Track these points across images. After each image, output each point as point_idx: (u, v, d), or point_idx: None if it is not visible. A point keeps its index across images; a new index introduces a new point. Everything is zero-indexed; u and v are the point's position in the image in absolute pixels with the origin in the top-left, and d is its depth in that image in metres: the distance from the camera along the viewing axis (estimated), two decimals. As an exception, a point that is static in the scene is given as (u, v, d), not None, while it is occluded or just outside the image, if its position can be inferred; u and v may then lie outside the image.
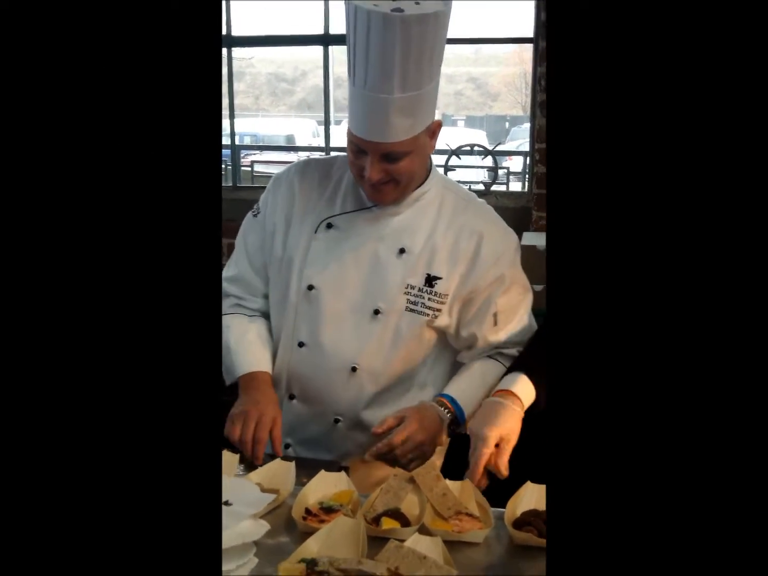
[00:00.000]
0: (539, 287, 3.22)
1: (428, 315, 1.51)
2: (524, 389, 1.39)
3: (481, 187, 4.22)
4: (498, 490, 1.27)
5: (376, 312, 1.50)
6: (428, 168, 1.53)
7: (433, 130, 1.43)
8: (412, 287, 1.50)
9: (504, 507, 1.22)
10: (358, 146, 1.40)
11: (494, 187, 4.18)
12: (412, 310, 1.50)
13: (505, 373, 1.46)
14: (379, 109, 1.32)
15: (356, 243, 1.51)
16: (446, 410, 1.48)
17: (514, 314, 1.55)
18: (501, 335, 1.55)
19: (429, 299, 1.50)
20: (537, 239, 3.34)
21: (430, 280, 1.50)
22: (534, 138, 3.66)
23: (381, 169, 1.40)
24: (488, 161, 4.23)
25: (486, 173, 4.36)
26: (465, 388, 1.54)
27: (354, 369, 1.52)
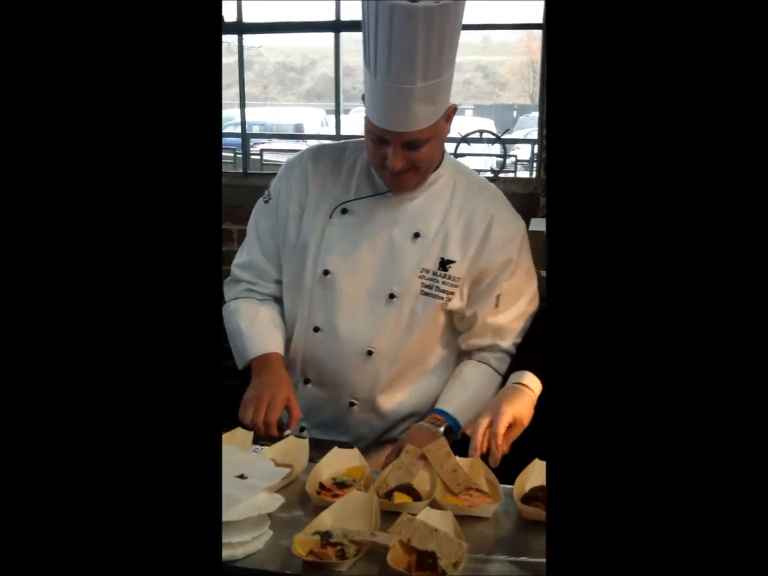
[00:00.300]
0: (546, 273, 3.25)
1: (443, 298, 1.53)
2: (533, 382, 1.43)
3: (489, 174, 4.22)
4: (507, 467, 1.29)
5: (392, 296, 1.52)
6: (442, 153, 1.55)
7: (449, 114, 1.45)
8: (427, 271, 1.52)
9: (513, 483, 1.24)
10: (379, 136, 1.41)
11: (502, 175, 4.19)
12: (426, 294, 1.52)
13: (508, 371, 1.51)
14: (403, 99, 1.33)
15: (371, 228, 1.53)
16: (439, 424, 1.49)
17: (516, 299, 1.58)
18: (500, 318, 1.57)
19: (443, 282, 1.52)
20: (544, 225, 3.34)
21: (444, 264, 1.52)
22: (543, 125, 3.65)
23: (403, 158, 1.41)
24: (496, 149, 4.23)
25: (495, 161, 4.36)
26: (457, 399, 1.55)
27: (370, 353, 1.54)
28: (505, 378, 1.58)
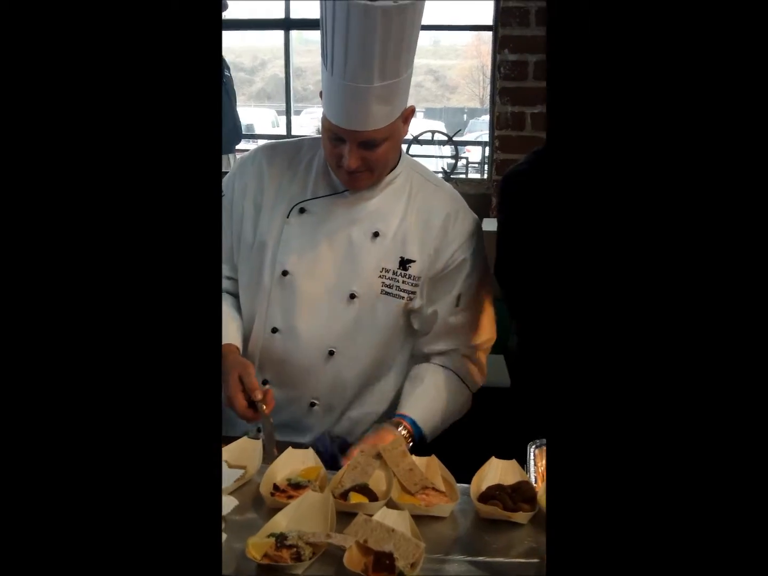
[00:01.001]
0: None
1: (403, 298, 1.52)
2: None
3: (441, 175, 4.23)
4: (464, 465, 1.29)
5: (352, 296, 1.51)
6: (399, 154, 1.55)
7: (407, 115, 1.45)
8: (387, 270, 1.51)
9: (469, 482, 1.23)
10: (336, 135, 1.40)
11: (453, 176, 4.21)
12: (387, 294, 1.51)
13: None
14: (359, 98, 1.33)
15: (330, 227, 1.51)
16: (404, 430, 1.47)
17: (475, 298, 1.58)
18: (460, 318, 1.57)
19: (403, 282, 1.51)
20: (496, 225, 3.36)
21: (404, 263, 1.51)
22: (494, 126, 3.68)
23: (359, 157, 1.41)
24: (448, 151, 4.25)
25: (446, 162, 4.38)
26: (421, 405, 1.53)
27: (331, 353, 1.52)
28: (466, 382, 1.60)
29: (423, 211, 1.53)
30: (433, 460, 1.29)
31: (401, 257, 1.51)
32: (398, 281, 1.51)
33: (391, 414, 1.55)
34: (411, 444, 1.46)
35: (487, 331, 1.63)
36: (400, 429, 1.47)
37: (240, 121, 4.15)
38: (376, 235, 1.51)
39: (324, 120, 1.42)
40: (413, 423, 1.49)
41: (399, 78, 1.35)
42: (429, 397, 1.55)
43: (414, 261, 1.51)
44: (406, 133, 1.50)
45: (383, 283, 1.51)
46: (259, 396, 1.41)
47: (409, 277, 1.51)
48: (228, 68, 4.02)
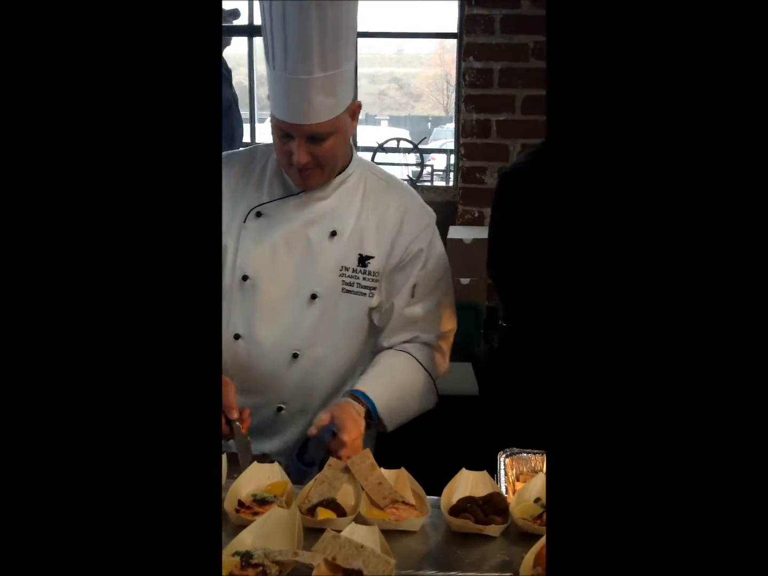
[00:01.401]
0: (466, 280, 3.26)
1: (365, 294, 1.52)
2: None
3: (407, 183, 4.23)
4: (433, 478, 1.26)
5: (313, 296, 1.50)
6: (350, 153, 1.56)
7: (354, 111, 1.46)
8: (346, 269, 1.51)
9: (439, 494, 1.21)
10: (284, 131, 1.41)
11: (419, 184, 4.20)
12: (348, 291, 1.51)
13: None
14: (301, 90, 1.34)
15: (287, 230, 1.51)
16: (363, 407, 1.47)
17: (431, 289, 1.59)
18: (417, 309, 1.57)
19: (364, 278, 1.52)
20: (463, 233, 3.36)
21: (363, 260, 1.52)
22: (459, 133, 3.68)
23: (307, 152, 1.41)
24: (413, 159, 4.25)
25: (411, 170, 4.38)
26: (377, 383, 1.53)
27: (296, 356, 1.51)
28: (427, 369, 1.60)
29: (378, 208, 1.55)
30: (403, 472, 1.26)
31: (360, 254, 1.52)
32: (358, 278, 1.52)
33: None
34: (368, 421, 1.47)
35: (447, 321, 1.64)
36: (355, 400, 1.46)
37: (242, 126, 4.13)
38: (333, 234, 1.51)
39: (272, 119, 1.43)
40: (366, 397, 1.48)
41: (339, 69, 1.36)
42: (384, 376, 1.55)
43: (372, 257, 1.52)
44: (354, 129, 1.51)
45: (343, 281, 1.51)
46: (235, 415, 1.39)
47: (369, 274, 1.52)
48: (230, 72, 4.00)
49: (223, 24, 4.01)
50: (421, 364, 1.59)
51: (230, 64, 4.01)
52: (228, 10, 4.02)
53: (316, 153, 1.42)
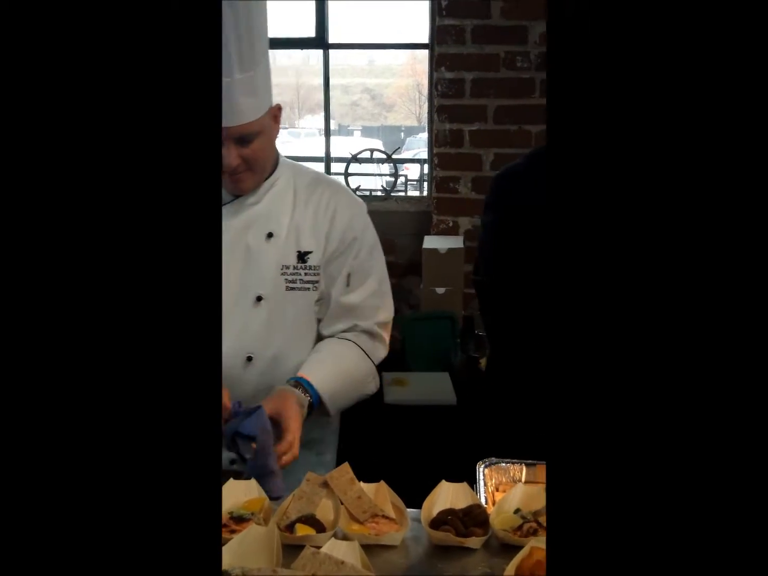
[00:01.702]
0: (441, 290, 3.26)
1: (309, 289, 1.57)
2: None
3: (380, 193, 4.22)
4: (413, 490, 1.25)
5: (259, 299, 1.54)
6: (277, 156, 1.61)
7: (275, 114, 1.52)
8: (287, 267, 1.56)
9: (420, 507, 1.20)
10: None
11: (393, 194, 4.20)
12: (292, 289, 1.56)
13: None
14: (225, 92, 1.36)
15: (227, 237, 1.53)
16: (306, 394, 1.49)
17: (365, 277, 1.62)
18: (352, 297, 1.61)
19: (305, 274, 1.57)
20: (438, 242, 3.36)
21: (302, 256, 1.57)
22: (432, 143, 3.68)
23: (237, 154, 1.46)
24: (386, 169, 4.25)
25: (385, 180, 4.38)
26: (319, 369, 1.55)
27: (250, 359, 1.54)
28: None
29: (310, 204, 1.59)
30: (382, 486, 1.25)
31: (298, 251, 1.57)
32: (300, 275, 1.57)
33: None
34: (309, 404, 1.48)
35: (385, 309, 1.68)
36: (297, 388, 1.48)
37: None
38: (270, 236, 1.56)
39: None
40: (308, 384, 1.50)
41: (257, 68, 1.42)
42: (326, 362, 1.58)
43: (311, 252, 1.57)
44: (278, 132, 1.57)
45: (286, 279, 1.56)
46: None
47: (310, 268, 1.57)
48: None
49: None
50: (362, 349, 1.63)
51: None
52: None
53: (245, 155, 1.47)
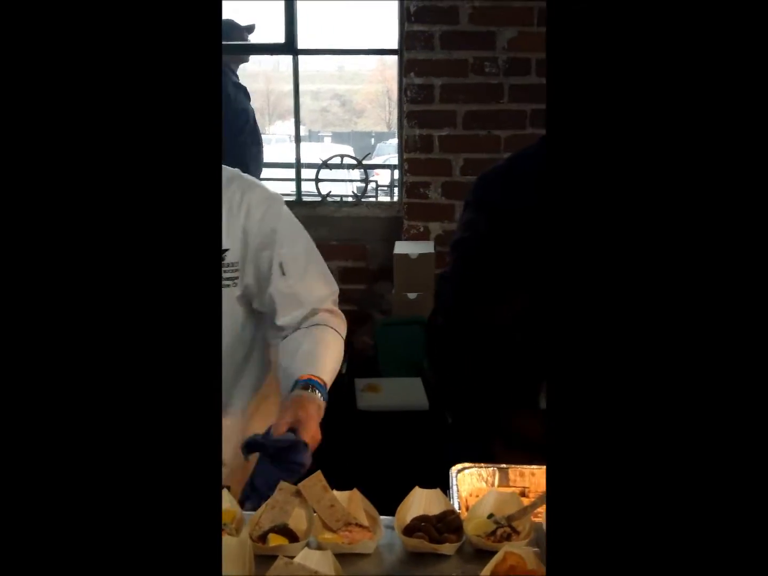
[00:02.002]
0: (413, 295, 3.26)
1: (228, 286, 1.58)
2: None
3: (351, 199, 4.22)
4: (387, 497, 1.25)
5: None
6: None
7: None
8: None
9: (393, 514, 1.19)
10: None
11: (364, 200, 4.20)
12: None
13: None
14: None
15: None
16: (320, 395, 1.50)
17: (297, 261, 1.64)
18: (293, 283, 1.62)
19: (224, 272, 1.57)
20: (409, 248, 3.37)
21: None
22: (402, 149, 3.69)
23: None
24: (357, 175, 4.25)
25: (356, 186, 4.39)
26: (323, 368, 1.56)
27: None
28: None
29: (225, 203, 1.59)
30: (355, 493, 1.24)
31: None
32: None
33: (260, 404, 1.62)
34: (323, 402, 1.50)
35: (330, 284, 1.70)
36: (312, 391, 1.49)
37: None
38: None
39: None
40: (318, 384, 1.51)
41: None
42: (323, 356, 1.58)
43: (227, 249, 1.57)
44: None
45: None
46: None
47: (229, 266, 1.58)
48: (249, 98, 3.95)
49: (241, 41, 3.96)
50: (337, 331, 1.65)
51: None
52: (244, 26, 3.96)
53: None
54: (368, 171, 4.35)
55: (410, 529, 1.15)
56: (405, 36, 3.56)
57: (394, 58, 3.82)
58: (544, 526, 1.02)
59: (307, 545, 1.10)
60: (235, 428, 1.64)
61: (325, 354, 1.59)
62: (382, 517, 1.20)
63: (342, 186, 4.84)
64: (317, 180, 4.01)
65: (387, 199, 4.72)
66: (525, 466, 1.37)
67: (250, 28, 3.98)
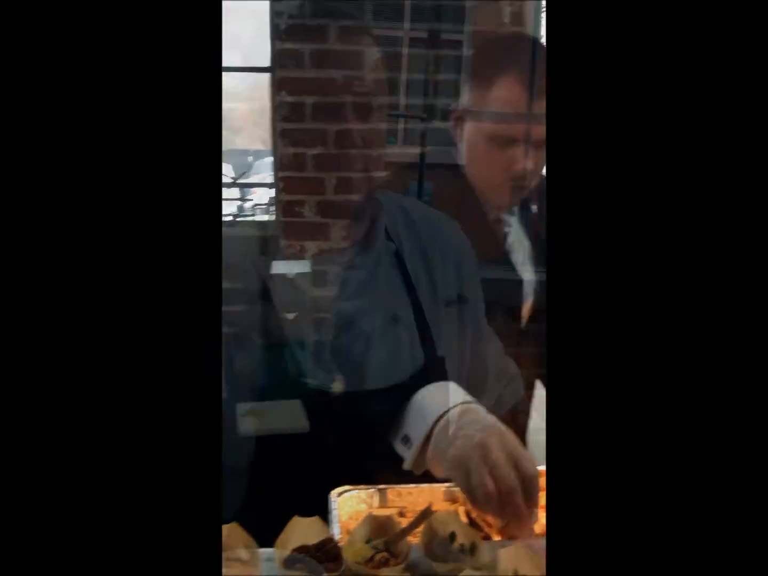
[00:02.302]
0: (291, 315, 3.22)
1: None
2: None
3: (229, 218, 4.16)
4: (265, 529, 1.22)
5: None
6: None
7: None
8: None
9: (273, 546, 1.17)
10: None
11: (240, 219, 4.15)
12: None
13: None
14: None
15: None
16: None
17: None
18: None
19: None
20: (286, 267, 3.33)
21: None
22: (277, 167, 3.67)
23: None
24: (235, 193, 4.19)
25: (235, 205, 4.33)
26: None
27: None
28: None
29: None
30: (235, 527, 1.21)
31: None
32: None
33: None
34: None
35: None
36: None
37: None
38: None
39: None
40: None
41: None
42: None
43: None
44: None
45: None
46: None
47: None
48: None
49: None
50: None
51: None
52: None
53: None
54: (245, 190, 4.30)
55: (290, 561, 1.13)
56: (277, 54, 3.54)
57: (267, 75, 3.80)
58: (423, 549, 1.03)
59: (182, 586, 1.06)
60: None
61: None
62: (261, 549, 1.18)
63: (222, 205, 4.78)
64: (191, 201, 3.94)
65: (266, 217, 4.68)
66: (403, 486, 1.37)
67: None
